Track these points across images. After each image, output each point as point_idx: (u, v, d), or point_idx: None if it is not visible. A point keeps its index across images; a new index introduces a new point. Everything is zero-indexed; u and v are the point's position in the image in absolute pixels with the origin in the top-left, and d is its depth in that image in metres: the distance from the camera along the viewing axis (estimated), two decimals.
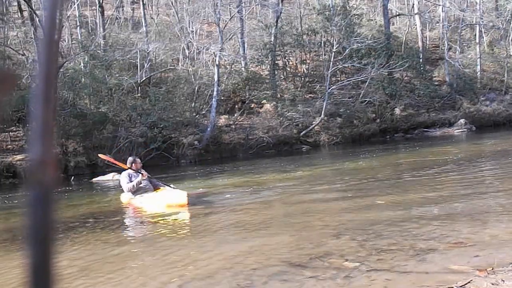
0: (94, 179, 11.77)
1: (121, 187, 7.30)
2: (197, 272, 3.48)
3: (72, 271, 3.67)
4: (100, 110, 15.93)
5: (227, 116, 18.99)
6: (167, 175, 11.69)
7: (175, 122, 16.39)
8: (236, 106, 19.91)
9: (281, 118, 18.91)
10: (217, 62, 17.86)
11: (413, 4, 26.05)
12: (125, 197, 7.19)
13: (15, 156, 13.74)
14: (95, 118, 15.13)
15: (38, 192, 0.41)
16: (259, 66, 21.65)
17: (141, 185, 7.03)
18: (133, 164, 7.10)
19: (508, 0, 25.97)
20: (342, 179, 8.54)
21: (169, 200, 6.62)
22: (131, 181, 7.01)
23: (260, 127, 18.31)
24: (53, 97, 0.42)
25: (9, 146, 14.60)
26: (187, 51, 20.90)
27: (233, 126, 18.69)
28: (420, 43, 24.60)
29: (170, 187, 7.30)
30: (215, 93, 17.70)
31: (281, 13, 21.04)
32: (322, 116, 18.97)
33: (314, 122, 19.02)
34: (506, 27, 26.30)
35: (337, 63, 19.89)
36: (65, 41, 19.48)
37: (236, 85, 20.09)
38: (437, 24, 27.32)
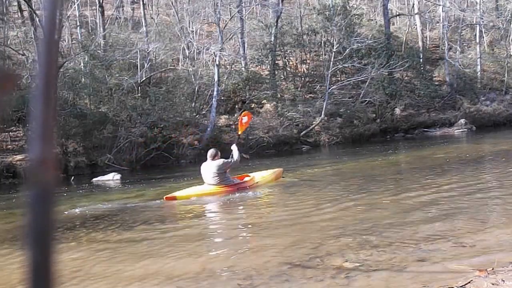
0: (94, 179, 11.77)
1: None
2: (197, 272, 3.48)
3: (72, 271, 3.67)
4: (100, 110, 15.91)
5: (227, 116, 18.98)
6: (167, 175, 11.69)
7: (175, 122, 16.37)
8: (236, 106, 19.89)
9: (281, 118, 18.91)
10: (217, 62, 17.85)
11: (413, 4, 26.03)
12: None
13: (15, 156, 13.73)
14: (95, 118, 15.11)
15: (38, 192, 0.41)
16: (259, 66, 21.64)
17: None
18: (215, 157, 7.51)
19: (508, 0, 25.96)
20: (342, 179, 8.55)
21: (273, 175, 8.53)
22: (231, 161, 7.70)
23: (260, 127, 18.30)
24: (53, 97, 0.42)
25: (9, 146, 14.59)
26: (187, 51, 20.89)
27: (233, 126, 18.67)
28: (420, 43, 24.59)
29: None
30: (215, 93, 17.70)
31: (281, 13, 21.02)
32: (322, 116, 18.96)
33: (314, 122, 19.01)
34: (506, 27, 26.27)
35: (337, 63, 19.87)
36: (65, 41, 19.47)
37: (236, 85, 20.07)
38: (437, 24, 27.29)
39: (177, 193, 7.45)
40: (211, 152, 7.60)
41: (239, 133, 8.97)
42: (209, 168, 7.48)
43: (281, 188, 7.97)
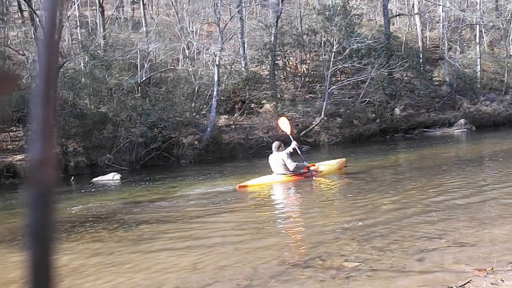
0: (94, 179, 11.77)
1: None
2: (197, 272, 3.48)
3: (71, 271, 3.67)
4: (100, 110, 15.90)
5: (227, 116, 18.97)
6: (167, 175, 11.69)
7: (175, 122, 16.35)
8: (236, 106, 19.89)
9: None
10: (217, 62, 17.84)
11: (413, 4, 26.02)
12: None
13: (15, 156, 13.72)
14: (95, 118, 15.10)
15: (38, 192, 0.41)
16: (259, 66, 21.62)
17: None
18: (279, 148, 8.12)
19: (508, 0, 25.96)
20: (341, 178, 8.54)
21: (336, 165, 9.03)
22: (293, 161, 8.12)
23: (260, 127, 18.29)
24: (53, 97, 0.42)
25: (9, 146, 14.58)
26: (187, 51, 20.87)
27: (233, 126, 18.67)
28: (420, 43, 24.58)
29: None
30: (215, 93, 17.69)
31: (281, 13, 21.01)
32: (322, 116, 18.96)
33: (314, 122, 19.01)
34: (506, 27, 26.26)
35: (337, 63, 19.86)
36: (65, 41, 19.45)
37: (236, 85, 20.06)
38: (437, 24, 27.29)
39: (249, 182, 8.01)
40: (276, 144, 8.25)
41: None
42: (277, 159, 8.08)
43: (280, 188, 7.97)
